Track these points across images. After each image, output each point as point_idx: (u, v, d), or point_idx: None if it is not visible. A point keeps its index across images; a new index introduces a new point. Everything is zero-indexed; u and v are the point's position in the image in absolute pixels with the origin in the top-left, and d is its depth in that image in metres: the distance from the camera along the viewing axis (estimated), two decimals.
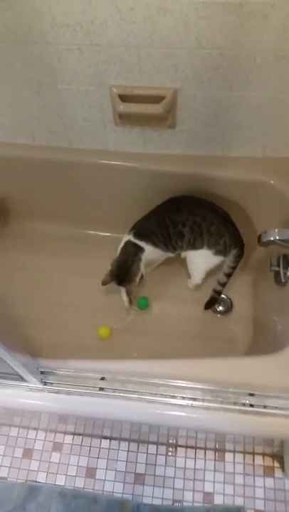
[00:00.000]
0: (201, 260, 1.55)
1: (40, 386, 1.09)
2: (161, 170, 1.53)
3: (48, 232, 1.86)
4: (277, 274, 1.33)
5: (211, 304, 1.60)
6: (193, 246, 1.50)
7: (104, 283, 1.56)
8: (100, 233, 1.86)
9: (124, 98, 1.32)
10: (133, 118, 1.40)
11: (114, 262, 1.55)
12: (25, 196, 1.80)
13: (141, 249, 1.52)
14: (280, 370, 1.07)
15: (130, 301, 1.61)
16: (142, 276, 1.56)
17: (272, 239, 1.16)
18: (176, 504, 1.42)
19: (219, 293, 1.58)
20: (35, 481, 1.51)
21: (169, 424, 1.15)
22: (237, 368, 1.11)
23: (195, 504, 1.42)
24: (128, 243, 1.54)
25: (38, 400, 1.10)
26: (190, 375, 1.07)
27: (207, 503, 1.42)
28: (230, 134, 1.41)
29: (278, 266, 1.31)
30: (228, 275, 1.53)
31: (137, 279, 1.52)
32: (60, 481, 1.50)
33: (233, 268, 1.51)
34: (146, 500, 1.43)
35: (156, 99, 1.29)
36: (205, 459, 1.49)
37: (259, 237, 1.20)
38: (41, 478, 1.52)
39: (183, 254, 1.58)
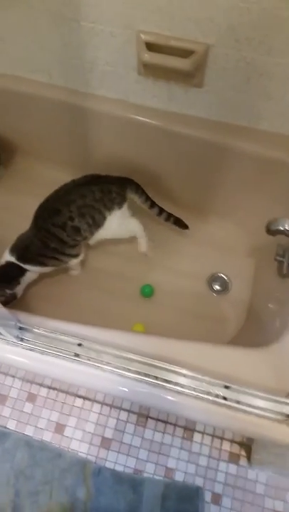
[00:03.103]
0: (119, 224, 1.46)
1: (16, 341, 1.06)
2: (181, 132, 1.42)
3: (53, 179, 1.74)
4: (281, 264, 1.25)
5: (179, 222, 1.55)
6: (98, 224, 1.41)
7: None
8: None
9: (151, 47, 1.22)
10: (158, 70, 1.29)
11: None
12: (34, 136, 1.72)
13: (24, 272, 1.40)
14: (262, 367, 1.02)
15: None
16: (15, 296, 1.41)
17: (281, 228, 1.08)
18: (137, 474, 1.43)
19: (169, 214, 1.53)
20: (5, 427, 1.52)
21: (137, 401, 1.13)
22: (219, 357, 1.06)
23: (155, 477, 1.42)
24: (10, 264, 1.39)
25: (12, 354, 1.07)
26: (168, 355, 1.03)
27: (167, 478, 1.42)
28: (260, 103, 1.29)
29: (283, 257, 1.23)
30: (152, 205, 1.50)
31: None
32: (29, 431, 1.51)
33: (147, 198, 1.48)
34: (108, 465, 1.44)
35: (185, 53, 1.19)
36: (173, 435, 1.48)
37: (268, 224, 1.11)
38: (11, 425, 1.53)
39: (93, 240, 1.48)
